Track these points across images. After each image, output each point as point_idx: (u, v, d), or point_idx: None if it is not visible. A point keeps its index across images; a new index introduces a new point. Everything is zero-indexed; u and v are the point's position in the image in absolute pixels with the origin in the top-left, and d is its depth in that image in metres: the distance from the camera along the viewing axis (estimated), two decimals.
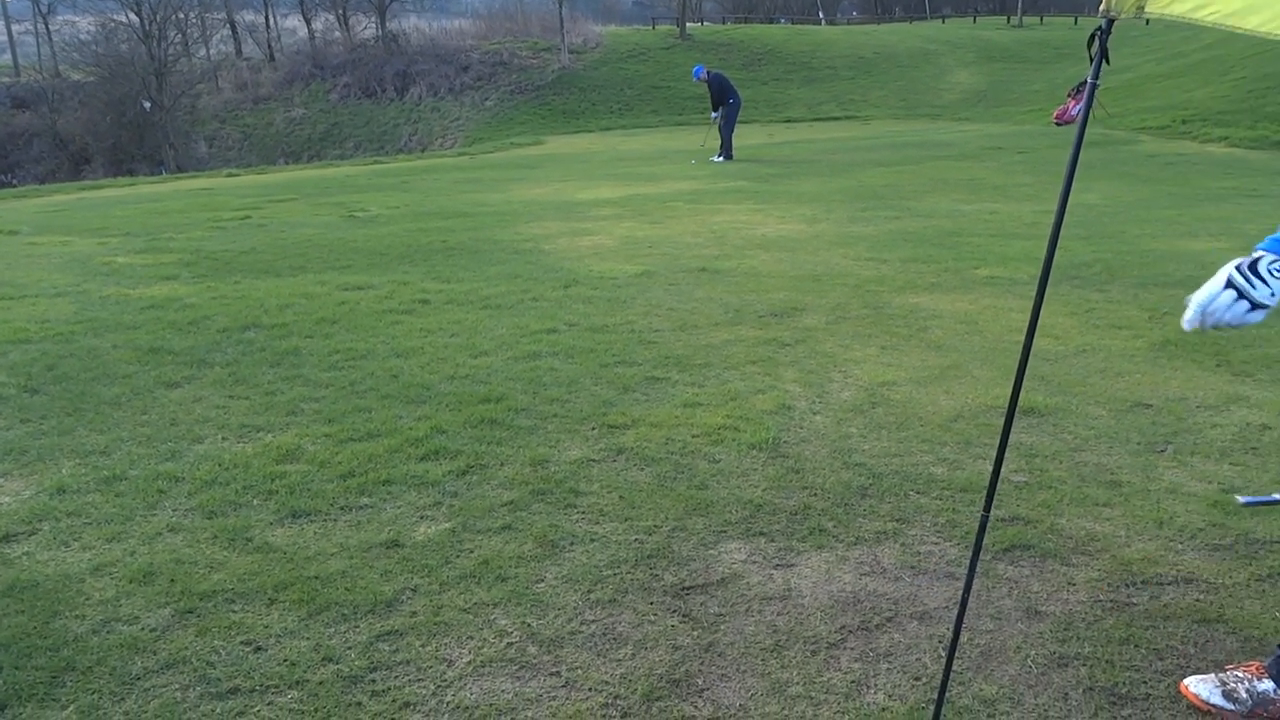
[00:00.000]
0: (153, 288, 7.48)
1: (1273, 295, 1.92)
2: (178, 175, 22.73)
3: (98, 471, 3.96)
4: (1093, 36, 2.04)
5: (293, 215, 11.73)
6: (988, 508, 2.12)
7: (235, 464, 4.01)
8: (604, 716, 2.43)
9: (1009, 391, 2.20)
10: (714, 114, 17.72)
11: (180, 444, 4.26)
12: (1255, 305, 1.92)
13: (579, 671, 2.61)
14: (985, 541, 3.22)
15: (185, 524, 3.50)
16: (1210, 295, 1.94)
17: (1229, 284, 1.93)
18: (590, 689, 2.54)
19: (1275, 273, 1.92)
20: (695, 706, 2.46)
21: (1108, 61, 2.03)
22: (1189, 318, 1.97)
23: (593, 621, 2.84)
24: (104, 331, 6.13)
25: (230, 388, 5.00)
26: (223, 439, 4.31)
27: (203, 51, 42.54)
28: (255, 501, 3.67)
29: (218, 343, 5.82)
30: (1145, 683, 2.52)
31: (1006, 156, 16.31)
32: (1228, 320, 1.93)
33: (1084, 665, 2.59)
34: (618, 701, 2.48)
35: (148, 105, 33.17)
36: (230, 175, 19.98)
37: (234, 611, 2.92)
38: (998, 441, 2.19)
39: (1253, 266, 1.94)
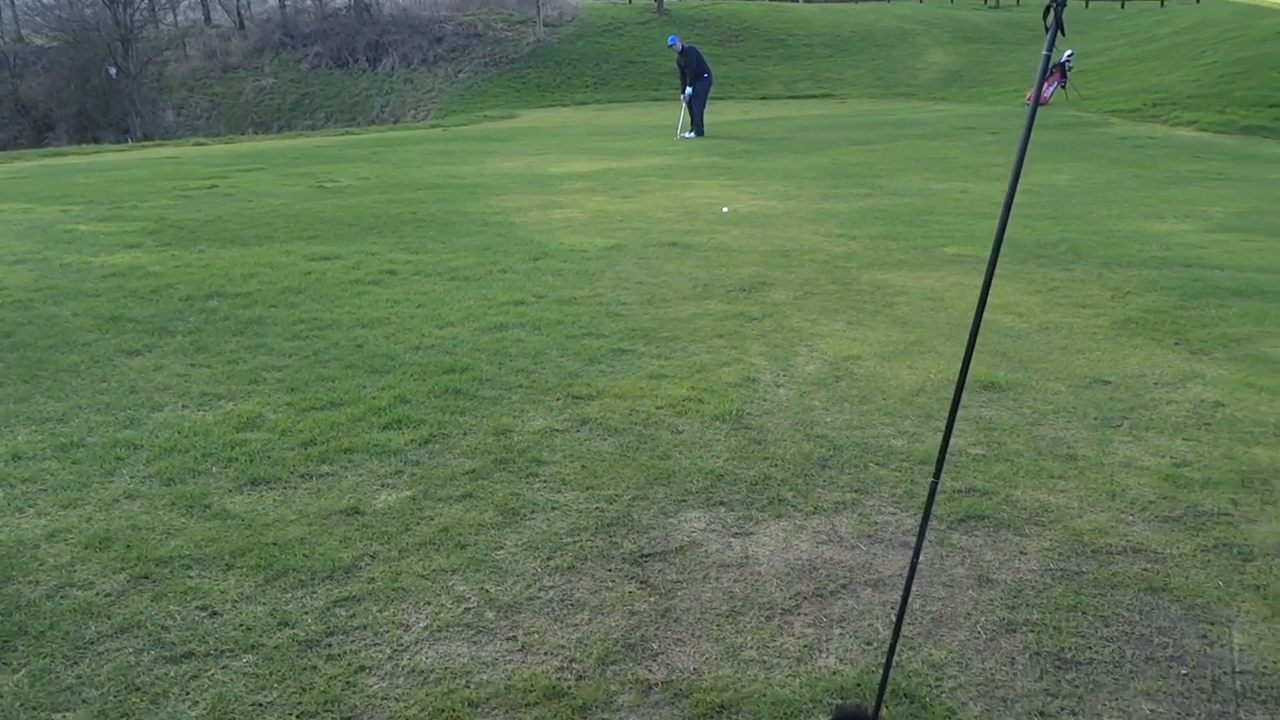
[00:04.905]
0: (115, 256, 7.37)
1: None
2: (144, 143, 22.30)
3: (55, 438, 3.92)
4: (1048, 9, 2.05)
5: (260, 185, 11.57)
6: (937, 474, 2.15)
7: (195, 432, 3.97)
8: (559, 679, 2.45)
9: (972, 366, 2.22)
10: (688, 90, 17.58)
11: (140, 412, 4.21)
12: None
13: (535, 636, 2.63)
14: (941, 512, 3.27)
15: (143, 491, 3.47)
16: None
17: None
18: (546, 653, 2.55)
19: None
20: (649, 670, 2.49)
21: (1063, 33, 2.04)
22: None
23: (551, 588, 2.86)
24: (64, 299, 6.04)
25: (192, 356, 4.95)
26: (183, 407, 4.27)
27: (170, 18, 41.63)
28: (215, 469, 3.65)
29: (180, 311, 5.75)
30: (1090, 648, 2.58)
31: (979, 136, 16.37)
32: None
33: (1031, 631, 2.64)
34: (573, 665, 2.51)
35: (113, 72, 32.45)
36: (198, 144, 19.61)
37: (190, 577, 2.91)
38: (959, 415, 2.21)
39: None
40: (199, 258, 7.25)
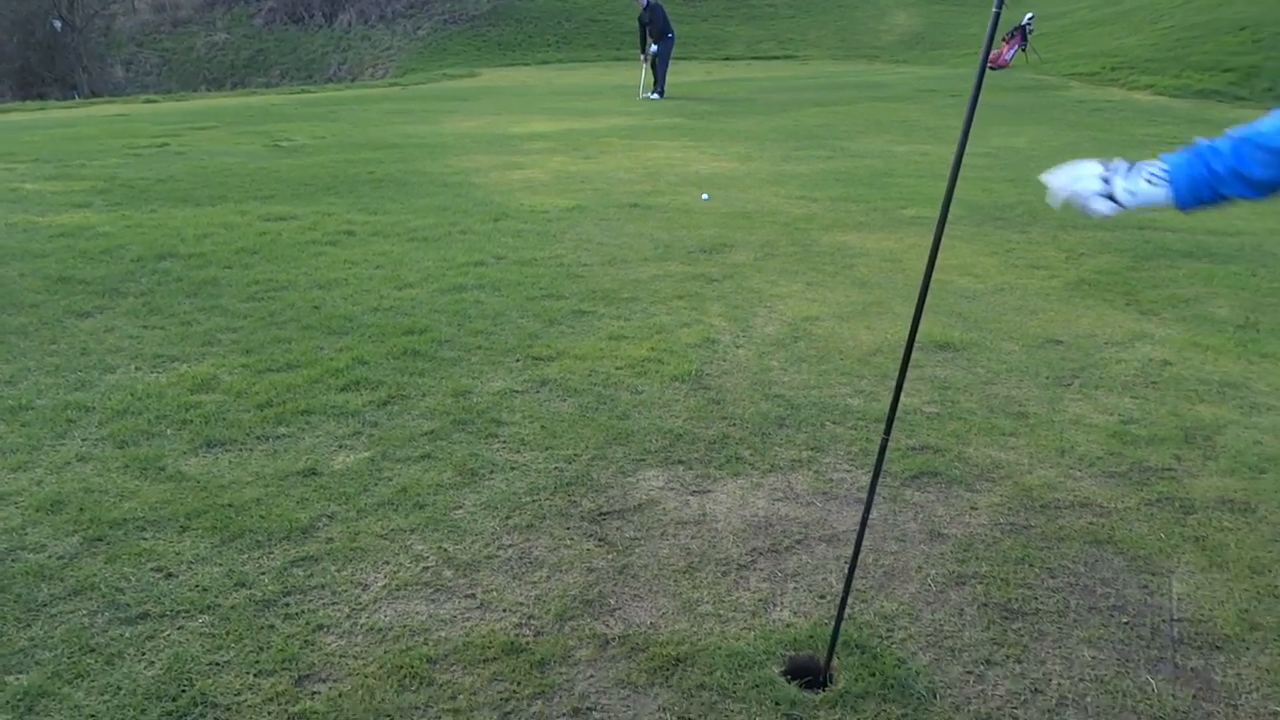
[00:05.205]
0: (63, 215, 7.19)
1: (1132, 196, 1.99)
2: (92, 100, 21.63)
3: (2, 401, 3.84)
4: None
5: (214, 144, 11.31)
6: (888, 431, 2.19)
7: (148, 394, 3.92)
8: (517, 635, 2.47)
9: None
10: (653, 48, 17.37)
11: (91, 374, 4.14)
12: (1110, 198, 2.00)
13: (494, 593, 2.65)
14: (895, 469, 3.33)
15: (95, 453, 3.43)
16: (1080, 175, 2.03)
17: (1105, 172, 2.02)
18: (504, 610, 2.58)
19: (1152, 180, 1.97)
20: (607, 625, 2.52)
21: None
22: (1055, 186, 2.07)
23: (509, 546, 2.88)
24: (10, 260, 5.89)
25: (144, 318, 4.86)
26: (136, 369, 4.21)
27: None
28: (169, 431, 3.61)
29: (132, 272, 5.64)
30: (1036, 599, 2.65)
31: (939, 99, 16.42)
32: (1078, 194, 2.02)
33: (980, 583, 2.71)
34: (531, 621, 2.53)
35: (58, 25, 31.38)
36: (148, 101, 19.08)
37: (144, 539, 2.88)
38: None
39: (1134, 166, 2.02)
40: (150, 218, 7.10)
